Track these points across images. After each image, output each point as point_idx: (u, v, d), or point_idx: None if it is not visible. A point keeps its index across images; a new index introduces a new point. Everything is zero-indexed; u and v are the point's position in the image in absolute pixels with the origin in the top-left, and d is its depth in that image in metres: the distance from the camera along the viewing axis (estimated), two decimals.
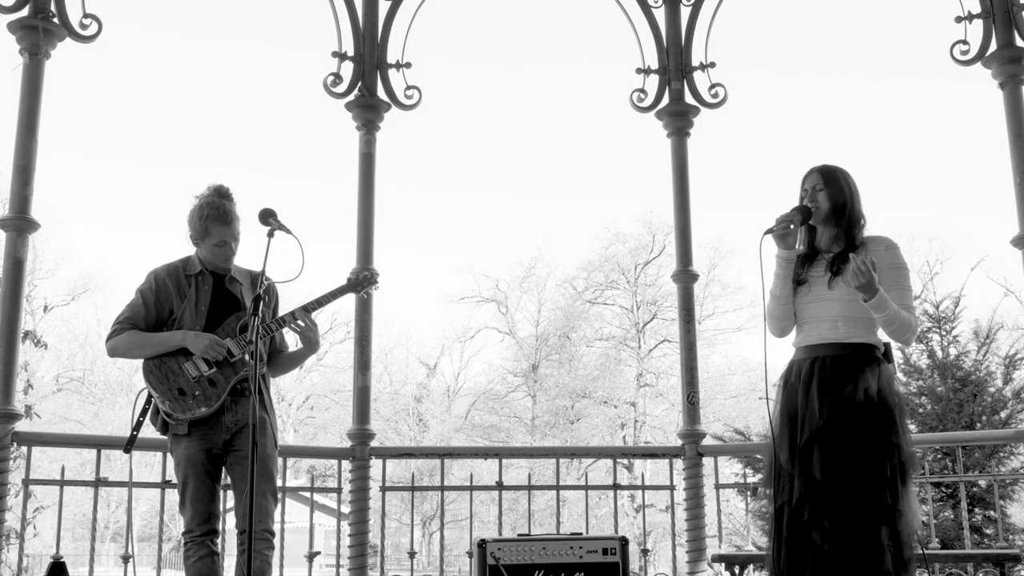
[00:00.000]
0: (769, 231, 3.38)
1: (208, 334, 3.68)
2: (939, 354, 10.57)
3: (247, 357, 3.69)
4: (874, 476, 3.12)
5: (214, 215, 3.72)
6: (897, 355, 11.17)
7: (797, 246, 3.50)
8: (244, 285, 3.86)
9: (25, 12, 4.71)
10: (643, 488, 5.68)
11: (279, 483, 4.02)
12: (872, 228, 3.47)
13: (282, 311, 3.91)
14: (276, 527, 3.77)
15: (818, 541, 3.11)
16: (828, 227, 3.46)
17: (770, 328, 3.50)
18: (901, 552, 3.11)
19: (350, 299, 4.30)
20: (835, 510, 3.11)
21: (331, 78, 5.21)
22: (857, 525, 3.09)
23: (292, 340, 4.03)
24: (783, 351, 3.57)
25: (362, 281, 4.09)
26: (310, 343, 3.84)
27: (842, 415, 3.19)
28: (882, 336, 3.39)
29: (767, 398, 3.44)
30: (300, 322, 3.76)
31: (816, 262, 3.45)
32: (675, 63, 5.50)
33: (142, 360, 3.73)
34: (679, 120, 5.45)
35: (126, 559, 4.44)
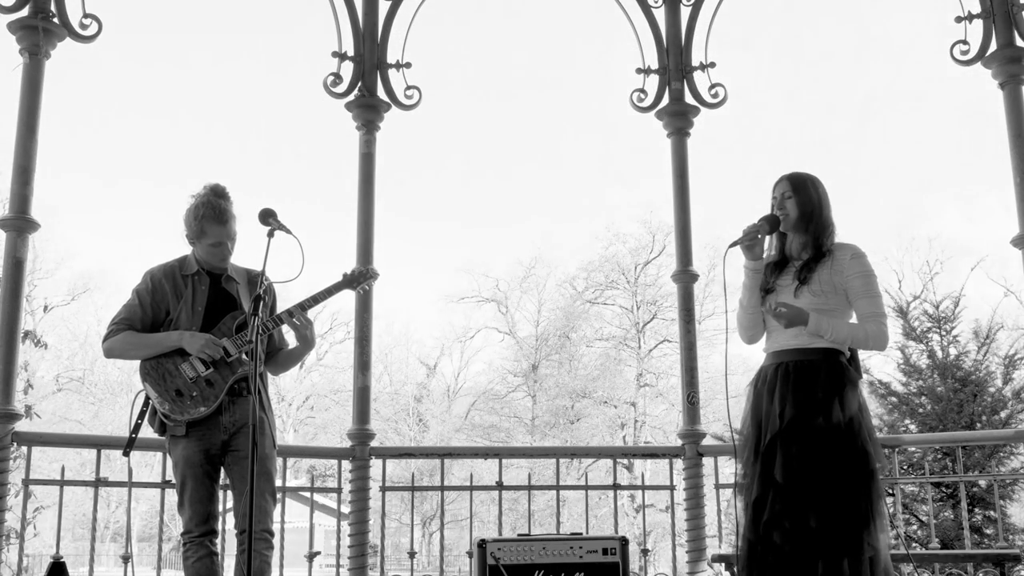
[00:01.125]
0: (735, 243, 3.44)
1: (204, 334, 3.68)
2: (939, 354, 10.58)
3: (244, 356, 3.69)
4: (835, 480, 3.17)
5: (210, 215, 3.71)
6: (897, 355, 11.21)
7: (768, 253, 3.57)
8: (241, 284, 3.85)
9: (25, 12, 4.70)
10: (643, 488, 5.67)
11: (279, 483, 4.02)
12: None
13: (280, 309, 3.91)
14: (276, 527, 3.77)
15: (778, 541, 3.16)
16: (798, 234, 3.50)
17: (740, 336, 3.63)
18: (865, 561, 3.14)
19: (350, 299, 4.29)
20: (795, 512, 3.16)
21: (331, 78, 5.21)
22: (817, 530, 3.13)
23: (291, 337, 4.03)
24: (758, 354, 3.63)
25: (357, 277, 4.03)
26: (306, 340, 3.85)
27: (803, 419, 3.25)
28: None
29: (727, 405, 3.51)
30: (296, 320, 3.76)
31: (785, 270, 3.51)
32: (675, 63, 5.49)
33: (139, 361, 3.73)
34: (679, 120, 5.45)
35: (126, 559, 4.44)
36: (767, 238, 3.53)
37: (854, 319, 3.41)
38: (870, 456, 3.22)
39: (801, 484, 3.18)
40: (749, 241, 3.43)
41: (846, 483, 3.17)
